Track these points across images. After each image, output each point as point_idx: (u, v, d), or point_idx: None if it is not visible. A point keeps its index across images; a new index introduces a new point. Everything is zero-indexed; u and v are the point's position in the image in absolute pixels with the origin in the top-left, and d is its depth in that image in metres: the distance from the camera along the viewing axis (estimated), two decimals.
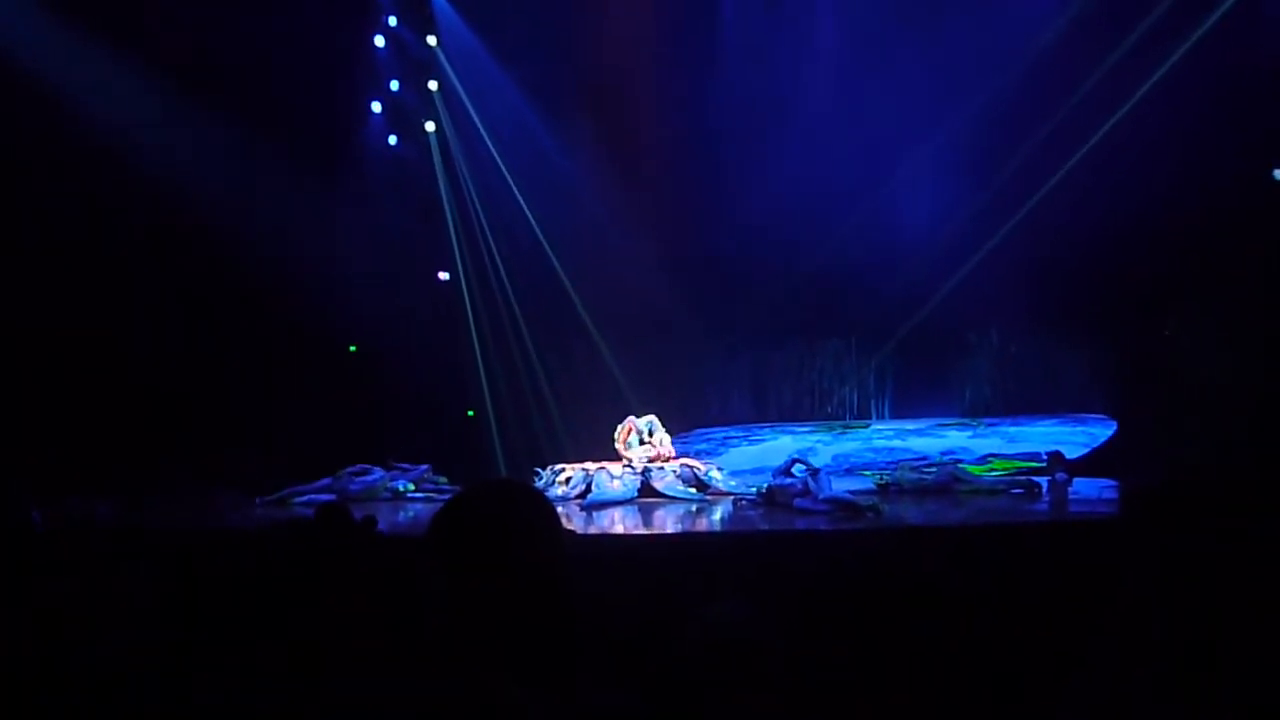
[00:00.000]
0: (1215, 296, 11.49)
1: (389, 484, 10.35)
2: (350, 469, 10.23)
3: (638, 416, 10.81)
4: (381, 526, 4.71)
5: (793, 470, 8.53)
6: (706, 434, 12.99)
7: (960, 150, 12.45)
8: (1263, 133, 11.16)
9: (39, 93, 10.29)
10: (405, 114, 13.49)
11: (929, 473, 9.86)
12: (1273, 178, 11.20)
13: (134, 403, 10.87)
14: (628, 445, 10.57)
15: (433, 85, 13.52)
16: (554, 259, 13.68)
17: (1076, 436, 12.24)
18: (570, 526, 7.09)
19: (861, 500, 7.77)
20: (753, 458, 12.51)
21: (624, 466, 9.98)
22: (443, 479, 10.75)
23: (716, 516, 8.17)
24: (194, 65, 10.94)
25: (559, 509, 1.62)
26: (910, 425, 13.40)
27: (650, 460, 10.18)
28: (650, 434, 10.69)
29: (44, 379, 10.42)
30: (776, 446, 12.75)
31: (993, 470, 10.41)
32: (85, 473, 9.06)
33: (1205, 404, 11.21)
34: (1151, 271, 11.81)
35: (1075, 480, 9.73)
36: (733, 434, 13.67)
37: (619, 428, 10.78)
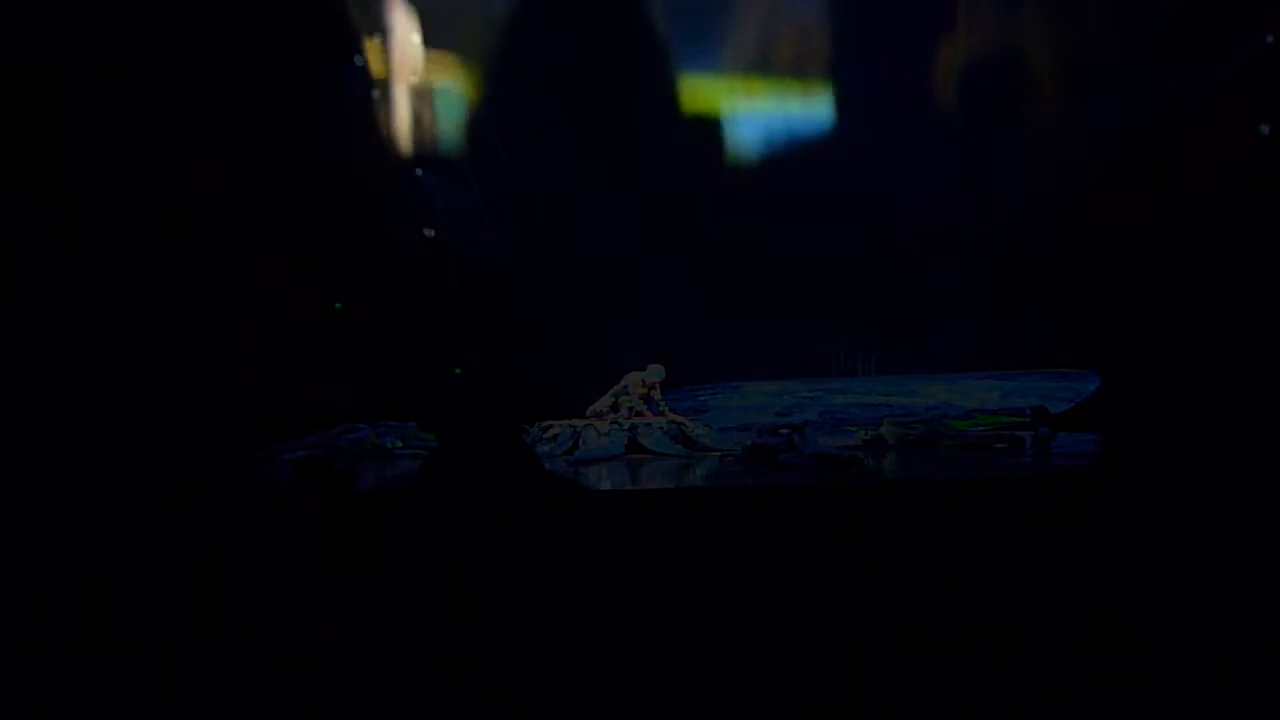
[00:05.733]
0: (1201, 253, 11.52)
1: (377, 441, 10.36)
2: (337, 428, 10.24)
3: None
4: (369, 483, 4.73)
5: (780, 430, 8.55)
6: (692, 390, 12.99)
7: (943, 97, 12.36)
8: (1250, 87, 11.14)
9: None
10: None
11: (914, 428, 9.95)
12: (1259, 133, 11.19)
13: (118, 362, 10.79)
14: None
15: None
16: (539, 216, 13.56)
17: (1060, 391, 12.32)
18: None
19: (846, 455, 7.84)
20: (738, 414, 12.55)
21: (611, 423, 10.02)
22: (430, 436, 10.76)
23: (702, 473, 8.22)
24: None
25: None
26: (896, 380, 13.44)
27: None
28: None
29: (23, 334, 10.30)
30: (762, 403, 12.79)
31: (977, 425, 10.50)
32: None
33: (1189, 359, 11.29)
34: (1137, 226, 11.82)
35: (1058, 435, 9.83)
36: (718, 391, 13.69)
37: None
